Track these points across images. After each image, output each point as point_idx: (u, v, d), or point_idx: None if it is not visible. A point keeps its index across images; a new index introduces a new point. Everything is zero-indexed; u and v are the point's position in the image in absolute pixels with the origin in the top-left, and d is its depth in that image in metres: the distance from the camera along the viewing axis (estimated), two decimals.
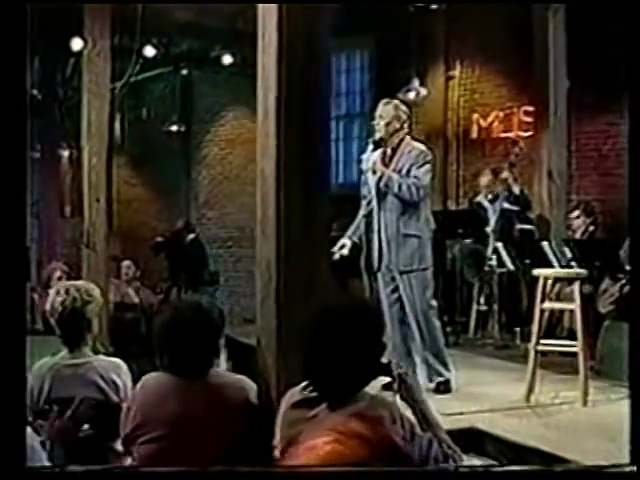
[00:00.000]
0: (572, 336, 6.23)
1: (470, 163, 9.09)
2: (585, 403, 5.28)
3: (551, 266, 6.50)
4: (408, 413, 2.81)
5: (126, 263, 8.06)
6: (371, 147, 5.34)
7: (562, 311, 6.58)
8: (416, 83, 8.87)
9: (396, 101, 5.55)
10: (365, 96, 10.09)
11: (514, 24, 8.54)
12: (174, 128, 9.75)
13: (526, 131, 8.74)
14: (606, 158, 8.63)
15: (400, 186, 5.19)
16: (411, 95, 8.89)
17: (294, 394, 2.88)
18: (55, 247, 7.94)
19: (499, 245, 7.15)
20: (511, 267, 7.10)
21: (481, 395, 5.48)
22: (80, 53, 9.04)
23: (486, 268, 7.56)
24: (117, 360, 3.99)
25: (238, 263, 10.50)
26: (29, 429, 2.75)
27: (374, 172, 5.33)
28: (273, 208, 3.18)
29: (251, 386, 3.37)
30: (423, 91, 8.97)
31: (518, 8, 8.37)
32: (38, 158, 7.38)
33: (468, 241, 7.88)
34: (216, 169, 10.62)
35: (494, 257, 7.39)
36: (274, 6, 3.23)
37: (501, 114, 9.05)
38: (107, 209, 6.81)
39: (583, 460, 4.02)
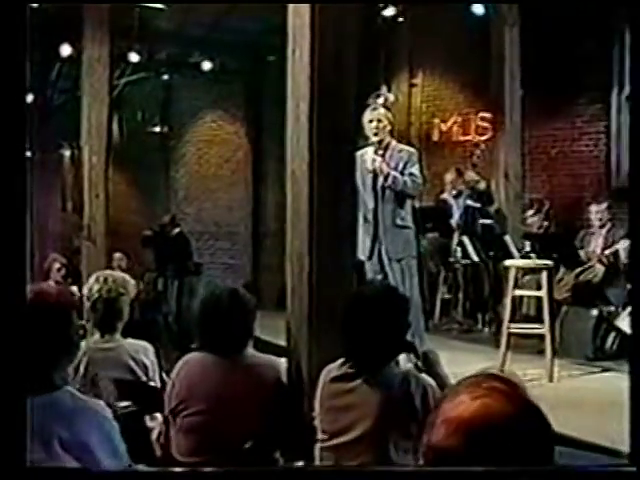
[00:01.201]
0: (529, 320, 6.54)
1: (432, 164, 9.31)
2: (551, 379, 5.57)
3: (513, 258, 6.79)
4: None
5: (117, 255, 8.13)
6: (372, 148, 5.50)
7: (522, 297, 6.87)
8: (384, 89, 9.06)
9: (382, 107, 5.75)
10: None
11: (473, 37, 8.79)
12: (157, 129, 9.81)
13: (483, 135, 9.01)
14: (554, 160, 8.96)
15: (405, 183, 5.38)
16: (380, 100, 9.04)
17: (331, 370, 3.05)
18: (55, 240, 7.97)
19: (465, 238, 7.40)
20: (476, 259, 7.37)
21: (458, 374, 5.70)
22: (69, 58, 9.13)
23: (451, 259, 7.82)
24: (145, 343, 4.08)
25: (214, 255, 10.60)
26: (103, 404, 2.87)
27: (374, 170, 5.45)
28: (306, 206, 3.30)
29: (281, 364, 3.54)
30: (391, 97, 9.14)
31: (477, 22, 8.64)
32: (40, 158, 7.43)
33: (434, 235, 8.12)
34: (194, 167, 10.70)
35: (459, 249, 7.64)
36: (306, 23, 3.36)
37: (460, 119, 9.31)
38: (105, 205, 6.88)
39: (556, 429, 4.27)
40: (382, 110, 5.60)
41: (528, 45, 8.26)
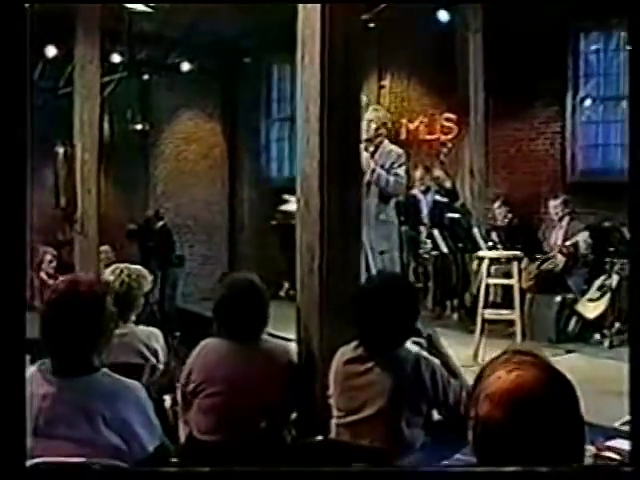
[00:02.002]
0: (495, 307, 6.71)
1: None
2: None
3: (480, 249, 6.97)
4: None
5: (104, 248, 8.10)
6: (362, 145, 5.61)
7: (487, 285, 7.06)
8: (365, 90, 9.20)
9: (382, 109, 5.88)
10: None
11: (439, 43, 8.95)
12: (138, 127, 9.80)
13: (447, 134, 9.18)
14: (514, 158, 9.18)
15: (387, 181, 5.51)
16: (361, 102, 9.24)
17: (345, 352, 3.16)
18: (44, 234, 7.94)
19: (435, 231, 7.57)
20: (445, 250, 7.54)
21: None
22: (53, 59, 9.07)
23: (421, 251, 7.98)
24: (155, 329, 4.15)
25: (193, 248, 10.62)
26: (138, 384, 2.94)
27: None
28: (316, 201, 3.39)
29: (292, 349, 3.64)
30: (364, 98, 9.29)
31: (443, 29, 8.81)
32: (35, 154, 7.36)
33: (405, 228, 8.26)
34: (172, 164, 10.70)
35: (429, 241, 7.81)
36: (317, 31, 3.45)
37: (426, 119, 9.46)
38: (97, 200, 6.89)
39: None
40: (378, 113, 5.74)
41: (491, 51, 8.47)
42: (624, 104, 8.60)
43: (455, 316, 7.47)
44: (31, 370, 2.81)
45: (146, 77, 9.83)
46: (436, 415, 3.29)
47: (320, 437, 3.08)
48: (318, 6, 3.46)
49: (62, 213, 9.00)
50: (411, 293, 3.18)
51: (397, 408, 2.98)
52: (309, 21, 3.52)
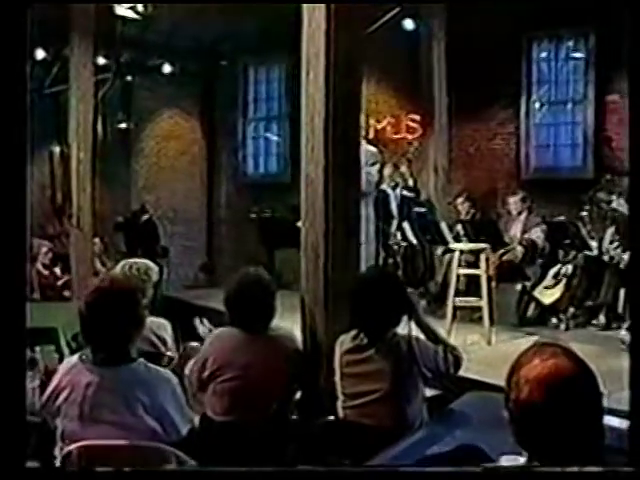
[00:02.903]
0: (458, 295, 6.87)
1: None
2: (489, 343, 5.97)
3: (447, 241, 7.16)
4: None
5: (94, 240, 8.12)
6: None
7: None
8: None
9: None
10: (282, 102, 10.43)
11: (405, 50, 9.11)
12: (123, 126, 9.77)
13: (412, 133, 9.35)
14: (472, 157, 9.40)
15: None
16: None
17: (344, 342, 3.28)
18: (38, 228, 7.91)
19: (405, 224, 7.73)
20: (414, 241, 7.71)
21: None
22: (42, 61, 8.98)
23: (391, 242, 8.13)
24: (164, 320, 4.22)
25: (172, 239, 10.61)
26: (171, 373, 3.04)
27: None
28: (321, 203, 3.51)
29: (297, 337, 3.76)
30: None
31: (409, 37, 8.96)
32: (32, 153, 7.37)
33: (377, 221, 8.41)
34: (153, 160, 10.68)
35: (398, 233, 7.97)
36: (321, 51, 3.56)
37: (392, 120, 9.60)
38: (92, 196, 6.90)
39: (498, 382, 4.63)
40: None
41: (453, 58, 8.66)
42: (572, 107, 8.89)
43: (423, 302, 7.65)
44: (73, 360, 2.91)
45: (129, 79, 9.78)
46: (428, 392, 3.46)
47: (331, 417, 3.22)
48: (323, 24, 3.57)
49: (52, 207, 8.99)
50: (400, 285, 3.34)
51: (398, 389, 3.13)
52: (313, 41, 3.63)
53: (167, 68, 9.75)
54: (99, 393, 2.74)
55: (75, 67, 6.80)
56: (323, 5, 3.58)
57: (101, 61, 9.19)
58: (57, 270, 7.48)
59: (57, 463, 2.77)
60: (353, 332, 3.27)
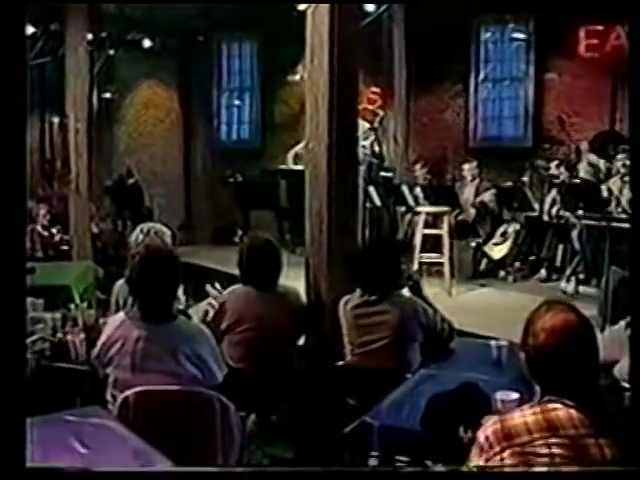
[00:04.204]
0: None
1: None
2: (450, 294, 6.25)
3: (408, 203, 7.36)
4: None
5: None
6: None
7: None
8: (300, 67, 9.32)
9: None
10: (253, 74, 10.43)
11: (368, 31, 9.13)
12: (107, 95, 9.63)
13: (373, 104, 9.44)
14: (427, 127, 9.57)
15: None
16: (297, 77, 9.40)
17: (350, 300, 3.45)
18: (35, 190, 7.83)
19: (370, 188, 7.88)
20: (379, 204, 7.88)
21: None
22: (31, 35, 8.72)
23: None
24: None
25: (152, 200, 10.55)
26: (206, 327, 3.16)
27: None
28: (324, 174, 3.63)
29: (301, 292, 3.91)
30: (306, 74, 9.42)
31: (373, 19, 9.00)
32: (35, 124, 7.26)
33: None
34: (133, 126, 10.56)
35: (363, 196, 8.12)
36: (325, 41, 3.65)
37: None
38: (89, 162, 6.87)
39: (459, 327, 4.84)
40: None
41: (411, 38, 8.77)
42: (514, 84, 9.13)
43: None
44: (120, 317, 3.01)
45: (111, 52, 9.61)
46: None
47: (341, 362, 3.42)
48: (327, 19, 3.66)
49: (41, 171, 8.87)
50: (399, 248, 3.55)
51: (401, 340, 3.34)
52: (318, 33, 3.73)
53: (147, 43, 9.63)
54: (148, 346, 2.86)
55: (71, 45, 6.66)
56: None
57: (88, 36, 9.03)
58: (54, 230, 7.44)
59: (109, 407, 2.89)
60: (358, 291, 3.45)
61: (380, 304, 3.38)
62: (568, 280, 6.27)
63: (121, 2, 6.88)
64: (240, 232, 9.84)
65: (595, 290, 5.71)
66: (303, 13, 9.63)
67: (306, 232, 3.84)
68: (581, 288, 6.08)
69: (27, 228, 7.08)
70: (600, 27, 8.13)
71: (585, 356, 1.90)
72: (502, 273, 7.06)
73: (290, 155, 8.73)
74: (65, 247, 7.06)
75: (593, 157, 7.42)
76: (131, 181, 8.92)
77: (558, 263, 6.88)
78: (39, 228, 7.19)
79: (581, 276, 6.19)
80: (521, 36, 8.96)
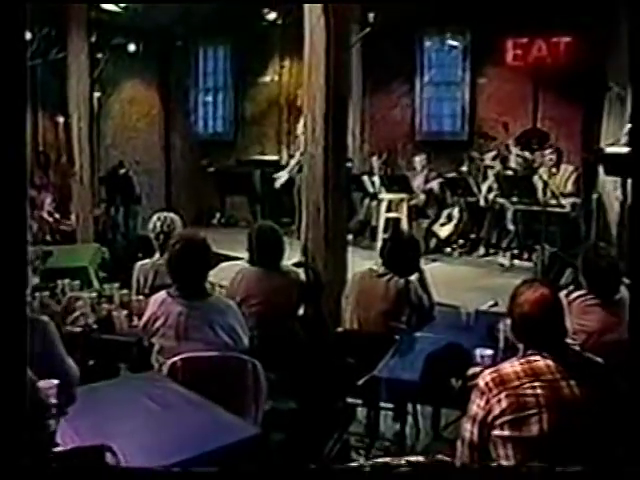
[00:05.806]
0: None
1: (296, 122, 9.83)
2: None
3: (368, 192, 7.63)
4: None
5: None
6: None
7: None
8: (270, 69, 9.47)
9: None
10: (227, 76, 10.47)
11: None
12: (97, 94, 9.50)
13: None
14: (378, 122, 9.82)
15: None
16: (267, 78, 9.54)
17: (358, 274, 3.72)
18: (31, 178, 7.75)
19: None
20: None
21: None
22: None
23: None
24: None
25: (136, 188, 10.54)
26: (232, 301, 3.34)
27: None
28: (320, 172, 3.84)
29: (300, 272, 4.13)
30: (276, 77, 9.61)
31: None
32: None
33: None
34: (117, 121, 10.48)
35: None
36: (322, 57, 3.83)
37: None
38: (91, 156, 6.89)
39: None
40: None
41: (366, 44, 8.98)
42: (452, 87, 9.46)
43: (349, 237, 8.16)
44: (162, 295, 3.19)
45: (99, 55, 9.48)
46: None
47: (341, 329, 3.67)
48: (322, 21, 3.81)
49: (36, 162, 8.75)
50: (414, 241, 3.82)
51: (396, 310, 3.62)
52: (315, 52, 3.91)
53: (131, 47, 9.55)
54: (189, 319, 3.08)
55: (74, 52, 6.66)
56: (322, 21, 3.83)
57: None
58: (57, 216, 7.44)
59: (155, 370, 3.07)
60: (367, 269, 3.71)
61: (384, 279, 3.64)
62: (504, 255, 6.68)
63: (119, 2, 6.83)
64: (218, 215, 9.97)
65: (527, 263, 6.12)
66: (273, 22, 9.73)
67: (303, 221, 4.06)
68: (516, 262, 6.49)
69: (34, 214, 7.07)
70: (525, 40, 8.52)
71: (556, 320, 2.22)
72: (448, 249, 7.42)
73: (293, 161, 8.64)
74: (68, 229, 7.06)
75: (519, 151, 7.84)
76: (122, 171, 8.91)
77: (494, 241, 7.29)
78: (45, 214, 7.17)
79: (515, 252, 6.60)
80: (457, 44, 9.29)
